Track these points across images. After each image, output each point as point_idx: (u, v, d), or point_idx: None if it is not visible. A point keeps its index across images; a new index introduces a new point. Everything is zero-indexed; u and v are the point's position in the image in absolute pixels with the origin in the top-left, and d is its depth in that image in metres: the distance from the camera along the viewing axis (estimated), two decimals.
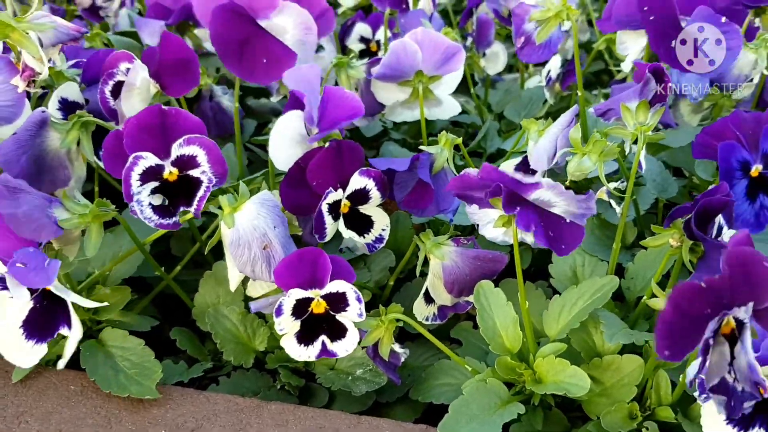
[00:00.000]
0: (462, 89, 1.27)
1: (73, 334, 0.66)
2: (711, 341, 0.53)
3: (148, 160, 0.73)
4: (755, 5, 0.98)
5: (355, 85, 0.99)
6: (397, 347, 0.75)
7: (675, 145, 0.92)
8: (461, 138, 0.88)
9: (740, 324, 0.54)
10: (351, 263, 0.85)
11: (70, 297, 0.66)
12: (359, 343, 0.72)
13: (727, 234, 0.71)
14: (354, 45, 1.25)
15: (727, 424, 0.61)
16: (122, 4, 1.11)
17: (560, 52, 1.18)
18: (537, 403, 0.73)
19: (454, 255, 0.79)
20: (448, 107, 1.00)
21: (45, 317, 0.67)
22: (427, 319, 0.81)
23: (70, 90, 0.85)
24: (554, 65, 1.11)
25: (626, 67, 1.06)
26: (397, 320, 0.73)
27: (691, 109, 1.02)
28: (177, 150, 0.74)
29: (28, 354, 0.67)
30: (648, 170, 0.88)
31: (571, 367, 0.69)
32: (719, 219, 0.70)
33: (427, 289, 0.80)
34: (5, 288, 0.65)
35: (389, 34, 1.19)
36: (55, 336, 0.67)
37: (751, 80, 0.95)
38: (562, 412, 0.75)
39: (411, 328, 0.78)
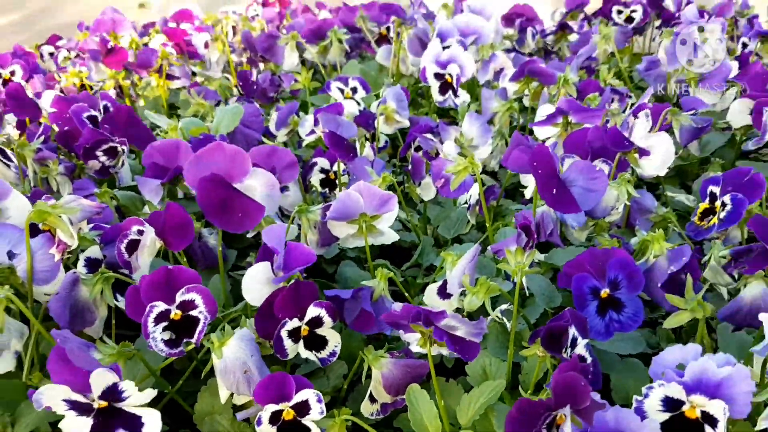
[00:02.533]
0: (408, 206, 1.56)
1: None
2: (544, 429, 0.79)
3: (159, 307, 0.99)
4: (618, 150, 1.27)
5: (314, 224, 1.26)
6: None
7: (560, 263, 1.19)
8: (403, 250, 1.13)
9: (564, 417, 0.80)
10: (314, 372, 1.12)
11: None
12: None
13: (582, 343, 0.97)
14: (316, 176, 1.53)
15: None
16: (123, 163, 1.39)
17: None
18: None
19: (390, 365, 1.04)
20: (389, 236, 1.27)
21: (104, 429, 0.90)
22: (372, 415, 1.06)
23: (93, 251, 1.11)
24: (473, 193, 1.39)
25: (528, 194, 1.34)
26: (347, 420, 0.98)
27: (580, 229, 1.30)
28: (180, 297, 1.00)
29: None
30: (537, 286, 1.15)
31: None
32: (573, 331, 0.96)
33: (371, 392, 1.05)
34: (73, 409, 0.89)
35: (343, 167, 1.48)
36: None
37: (618, 209, 1.24)
38: None
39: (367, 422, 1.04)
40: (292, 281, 1.06)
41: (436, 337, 0.92)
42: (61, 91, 1.96)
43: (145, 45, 2.18)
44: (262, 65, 2.09)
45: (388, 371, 1.04)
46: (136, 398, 0.91)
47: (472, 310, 0.98)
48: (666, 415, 0.85)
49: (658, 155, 1.25)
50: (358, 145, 1.46)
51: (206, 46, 2.06)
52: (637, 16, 2.26)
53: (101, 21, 2.37)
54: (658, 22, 2.35)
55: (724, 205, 1.16)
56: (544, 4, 3.10)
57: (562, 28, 2.23)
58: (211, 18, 2.54)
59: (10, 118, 1.70)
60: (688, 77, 1.70)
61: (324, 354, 1.07)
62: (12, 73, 2.08)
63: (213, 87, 1.90)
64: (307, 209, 1.25)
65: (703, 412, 0.84)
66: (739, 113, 1.54)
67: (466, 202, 1.47)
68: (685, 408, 0.85)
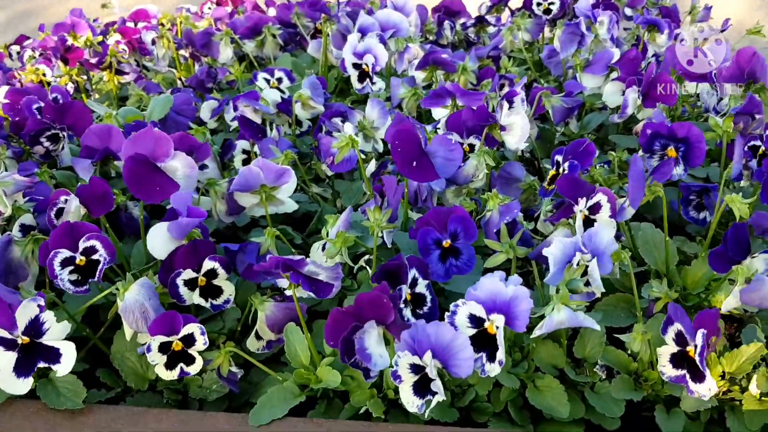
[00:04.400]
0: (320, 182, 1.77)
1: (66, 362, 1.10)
2: (353, 336, 1.01)
3: (63, 253, 1.19)
4: (483, 126, 1.47)
5: (222, 195, 1.47)
6: (234, 368, 1.20)
7: None
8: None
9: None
10: (212, 317, 1.33)
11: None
12: (209, 367, 1.18)
13: (423, 282, 1.18)
14: (238, 156, 1.73)
15: (414, 395, 1.06)
16: (63, 147, 1.59)
17: None
18: (320, 396, 1.19)
19: (273, 308, 1.25)
20: (289, 205, 1.46)
21: (27, 361, 1.10)
22: (258, 350, 1.27)
23: (27, 218, 1.32)
24: (370, 169, 1.59)
25: None
26: (232, 352, 1.19)
27: (453, 194, 1.50)
28: (82, 244, 1.20)
29: (20, 386, 1.09)
30: (403, 241, 1.35)
31: (333, 371, 1.14)
32: (414, 272, 1.17)
33: (256, 330, 1.26)
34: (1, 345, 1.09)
35: (257, 149, 1.68)
36: (35, 370, 1.10)
37: (479, 177, 1.44)
38: (341, 402, 1.21)
39: (256, 357, 1.25)
40: (192, 239, 1.26)
41: (293, 280, 1.12)
42: (22, 86, 2.16)
43: (101, 43, 2.38)
44: (204, 59, 2.30)
45: (270, 313, 1.25)
46: (55, 331, 1.11)
47: (331, 257, 1.18)
48: (473, 331, 1.06)
49: (517, 131, 1.45)
50: (268, 128, 1.66)
51: (153, 42, 2.26)
52: (555, 8, 2.45)
53: (62, 23, 2.58)
54: None
55: (564, 171, 1.36)
56: None
57: (480, 21, 2.43)
58: (167, 17, 2.73)
59: None
60: (576, 63, 1.90)
61: (219, 301, 1.27)
62: None
63: (156, 80, 2.09)
64: (215, 182, 1.45)
65: (498, 327, 1.04)
66: (612, 94, 1.75)
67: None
68: (486, 325, 1.05)
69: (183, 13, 2.70)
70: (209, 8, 2.86)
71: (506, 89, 1.84)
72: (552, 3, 2.48)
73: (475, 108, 1.49)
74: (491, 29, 2.46)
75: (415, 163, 1.32)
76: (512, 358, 1.15)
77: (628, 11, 2.49)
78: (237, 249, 1.26)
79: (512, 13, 2.62)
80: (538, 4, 2.50)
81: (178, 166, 1.36)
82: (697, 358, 1.02)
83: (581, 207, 1.16)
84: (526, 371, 1.14)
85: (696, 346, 1.02)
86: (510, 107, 1.55)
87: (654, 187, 1.18)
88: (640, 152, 1.44)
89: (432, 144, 1.36)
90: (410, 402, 1.05)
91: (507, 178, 1.53)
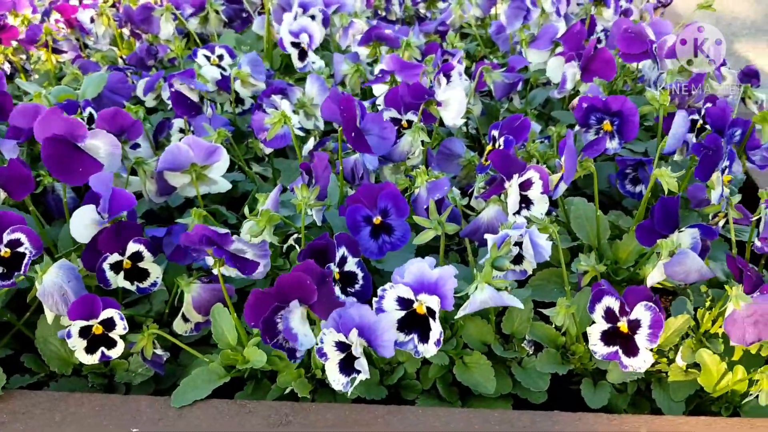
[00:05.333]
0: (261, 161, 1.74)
1: None
2: (274, 316, 0.98)
3: None
4: (418, 102, 1.44)
5: (151, 174, 1.42)
6: (159, 351, 1.17)
7: None
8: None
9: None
10: (138, 300, 1.30)
11: None
12: (134, 350, 1.15)
13: (353, 260, 1.16)
14: (175, 135, 1.68)
15: (340, 372, 1.05)
16: None
17: None
18: (247, 376, 1.16)
19: (199, 289, 1.22)
20: (222, 185, 1.43)
21: None
22: (186, 332, 1.24)
23: None
24: (308, 147, 1.56)
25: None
26: (155, 334, 1.16)
27: (390, 171, 1.48)
28: (6, 237, 1.15)
29: None
30: (336, 220, 1.32)
31: (259, 351, 1.12)
32: (343, 250, 1.15)
33: (183, 312, 1.23)
34: None
35: (191, 128, 1.64)
36: None
37: (415, 154, 1.42)
38: (270, 383, 1.19)
39: (182, 339, 1.22)
40: (116, 221, 1.22)
41: (217, 255, 1.10)
42: None
43: (40, 22, 2.30)
44: (145, 37, 2.23)
45: (197, 294, 1.22)
46: None
47: (254, 236, 1.15)
48: (402, 313, 1.04)
49: (453, 106, 1.43)
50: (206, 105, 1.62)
51: (92, 20, 2.19)
52: None
53: (3, 1, 2.49)
54: None
55: (500, 146, 1.35)
56: None
57: None
58: None
59: None
60: (521, 38, 1.88)
61: (146, 284, 1.23)
62: None
63: (95, 59, 2.03)
64: (143, 161, 1.41)
65: (428, 308, 1.03)
66: (555, 69, 1.73)
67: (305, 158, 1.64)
68: (415, 306, 1.03)
69: None
70: None
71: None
72: None
73: (411, 83, 1.47)
74: (442, 5, 2.43)
75: (353, 134, 1.30)
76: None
77: None
78: (163, 234, 1.23)
79: None
80: None
81: (100, 144, 1.32)
82: (645, 334, 1.01)
83: (512, 183, 1.14)
84: (454, 348, 1.14)
85: (635, 322, 1.01)
86: (448, 82, 1.53)
87: (586, 162, 1.17)
88: (577, 126, 1.44)
89: (366, 122, 1.34)
90: (336, 380, 1.04)
91: (447, 154, 1.51)
